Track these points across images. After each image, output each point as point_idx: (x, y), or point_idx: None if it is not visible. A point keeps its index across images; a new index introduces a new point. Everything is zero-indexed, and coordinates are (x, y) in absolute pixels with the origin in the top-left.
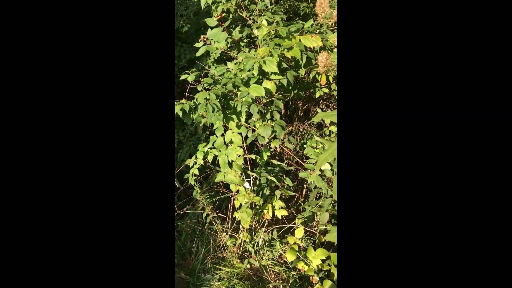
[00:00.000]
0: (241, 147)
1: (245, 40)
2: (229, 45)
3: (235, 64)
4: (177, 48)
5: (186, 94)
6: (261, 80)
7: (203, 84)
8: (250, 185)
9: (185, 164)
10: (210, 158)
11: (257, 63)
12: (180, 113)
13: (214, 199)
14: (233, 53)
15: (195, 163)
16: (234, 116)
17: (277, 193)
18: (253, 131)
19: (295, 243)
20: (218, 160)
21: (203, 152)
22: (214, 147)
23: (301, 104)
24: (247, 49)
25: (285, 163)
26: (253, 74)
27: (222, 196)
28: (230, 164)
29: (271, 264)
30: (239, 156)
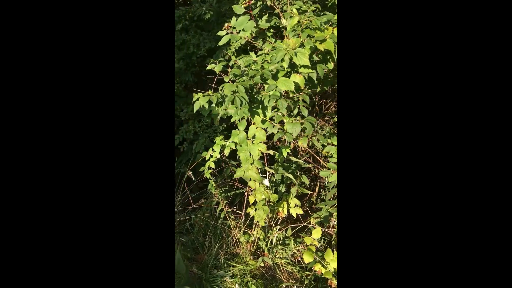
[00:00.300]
0: (265, 143)
1: (271, 30)
2: (253, 35)
3: (261, 55)
4: (196, 36)
5: (213, 85)
6: (288, 74)
7: (230, 75)
8: (268, 182)
9: (201, 157)
10: (227, 152)
11: (288, 54)
12: (206, 106)
13: (229, 193)
14: (258, 43)
15: (211, 156)
16: (259, 111)
17: (293, 190)
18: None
19: (312, 244)
20: (239, 155)
21: (220, 145)
22: (233, 141)
23: (316, 99)
24: (273, 40)
25: (302, 160)
26: (282, 67)
27: (237, 191)
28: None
29: (285, 263)
30: (262, 152)
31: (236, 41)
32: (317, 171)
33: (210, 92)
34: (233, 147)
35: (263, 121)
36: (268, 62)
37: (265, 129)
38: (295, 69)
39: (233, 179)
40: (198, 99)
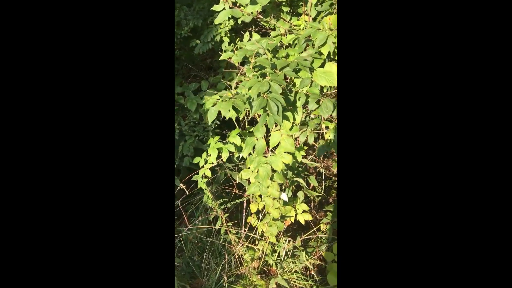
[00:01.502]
0: (290, 153)
1: (288, 6)
2: (259, 11)
3: (276, 37)
4: (176, 11)
5: (234, 85)
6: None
7: (252, 67)
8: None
9: (188, 161)
10: (225, 156)
11: (332, 37)
12: (233, 115)
13: (228, 205)
14: (269, 21)
15: (206, 161)
16: (289, 113)
17: (301, 194)
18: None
19: (333, 261)
20: (258, 170)
21: (217, 148)
22: (229, 142)
23: None
24: (288, 17)
25: (309, 159)
26: (319, 53)
27: (238, 201)
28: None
29: (296, 278)
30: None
31: (237, 18)
32: (324, 169)
33: (229, 93)
34: (232, 150)
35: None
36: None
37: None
38: (330, 57)
39: (230, 184)
40: (214, 105)
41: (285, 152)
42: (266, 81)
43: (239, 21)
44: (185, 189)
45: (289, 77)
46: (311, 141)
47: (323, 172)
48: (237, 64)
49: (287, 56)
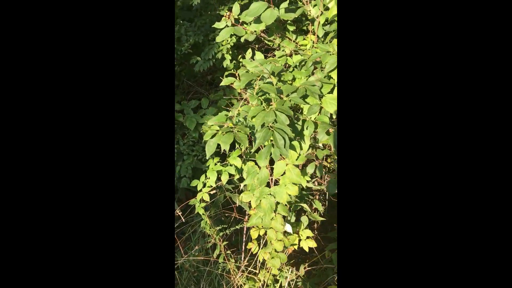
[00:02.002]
0: (296, 184)
1: (293, 25)
2: (262, 29)
3: (281, 57)
4: (177, 27)
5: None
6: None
7: (256, 93)
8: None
9: (186, 182)
10: (224, 179)
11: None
12: (228, 147)
13: (227, 231)
14: (273, 40)
15: (204, 185)
16: (296, 144)
17: (304, 220)
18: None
19: None
20: (260, 201)
21: (216, 171)
22: (229, 164)
23: None
24: (293, 36)
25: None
26: (329, 78)
27: (237, 227)
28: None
29: None
30: (291, 196)
31: (240, 36)
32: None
33: (230, 123)
34: (232, 172)
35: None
36: (294, 69)
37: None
38: None
39: (229, 207)
40: (213, 136)
41: (290, 183)
42: (271, 110)
43: (242, 39)
44: (181, 215)
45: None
46: (320, 174)
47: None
48: (239, 91)
49: (293, 79)
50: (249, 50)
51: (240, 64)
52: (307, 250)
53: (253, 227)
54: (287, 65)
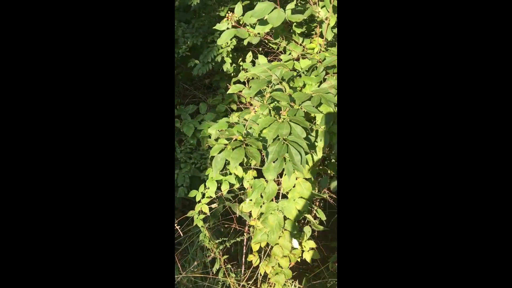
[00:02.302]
0: (305, 198)
1: (304, 27)
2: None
3: (288, 61)
4: (174, 29)
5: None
6: None
7: (267, 103)
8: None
9: (183, 191)
10: (225, 189)
11: None
12: (235, 166)
13: (227, 244)
14: (278, 43)
15: (203, 195)
16: (309, 157)
17: (307, 230)
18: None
19: None
20: (267, 217)
21: (216, 180)
22: (229, 172)
23: None
24: (300, 39)
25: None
26: None
27: (238, 239)
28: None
29: None
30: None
31: (242, 39)
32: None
33: (239, 136)
34: (233, 182)
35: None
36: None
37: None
38: None
39: (228, 217)
40: (220, 152)
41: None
42: (285, 122)
43: (245, 42)
44: (179, 229)
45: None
46: (333, 186)
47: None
48: (248, 99)
49: (304, 85)
50: (250, 53)
51: (241, 68)
52: (310, 261)
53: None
54: (294, 70)
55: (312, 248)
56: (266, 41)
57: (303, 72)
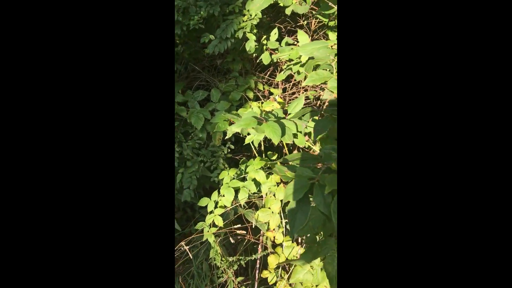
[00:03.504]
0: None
1: None
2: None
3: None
4: None
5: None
6: None
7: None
8: None
9: (189, 195)
10: (242, 199)
11: None
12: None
13: (242, 262)
14: (331, 16)
15: (216, 204)
16: None
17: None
18: None
19: None
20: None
21: (233, 187)
22: (247, 176)
23: None
24: None
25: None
26: None
27: (253, 257)
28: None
29: None
30: None
31: (287, 6)
32: None
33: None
34: (253, 189)
35: None
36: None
37: None
38: None
39: (242, 226)
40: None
41: None
42: (324, 118)
43: (288, 11)
44: (187, 250)
45: None
46: None
47: None
48: (312, 96)
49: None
50: (275, 30)
51: (264, 48)
52: None
53: (271, 252)
54: None
55: None
56: (313, 12)
57: None
